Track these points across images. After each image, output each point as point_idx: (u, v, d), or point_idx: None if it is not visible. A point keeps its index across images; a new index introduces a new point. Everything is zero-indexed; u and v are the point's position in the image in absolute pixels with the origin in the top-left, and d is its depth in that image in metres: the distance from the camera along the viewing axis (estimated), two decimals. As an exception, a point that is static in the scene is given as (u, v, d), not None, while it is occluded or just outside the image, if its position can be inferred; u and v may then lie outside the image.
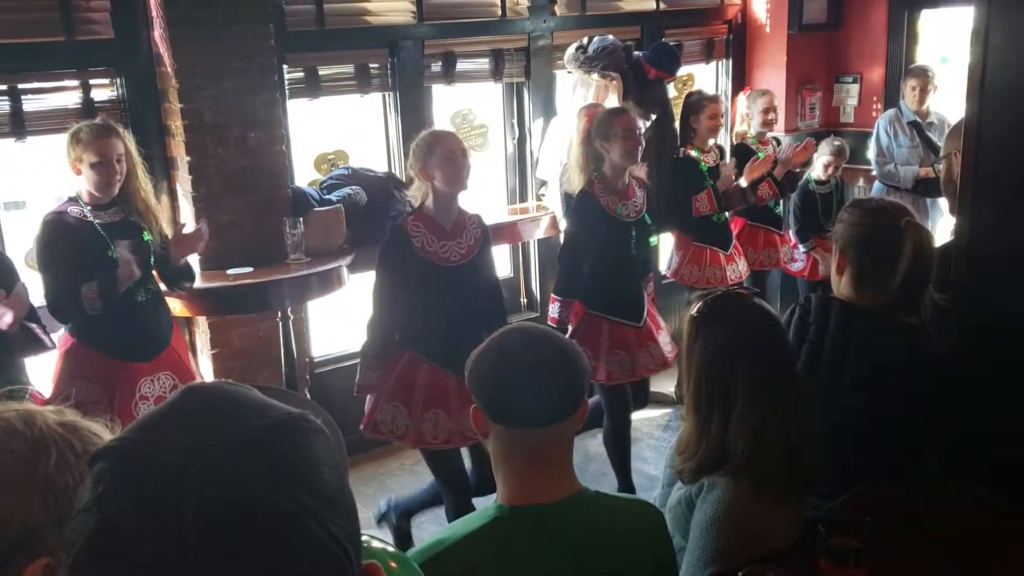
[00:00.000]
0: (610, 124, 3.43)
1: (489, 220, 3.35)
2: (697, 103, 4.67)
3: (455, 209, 3.11)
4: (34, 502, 0.89)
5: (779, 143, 4.99)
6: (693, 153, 4.66)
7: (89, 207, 3.06)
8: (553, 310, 3.54)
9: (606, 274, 3.54)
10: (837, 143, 5.07)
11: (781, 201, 5.05)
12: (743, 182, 4.65)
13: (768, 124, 4.89)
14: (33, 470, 0.90)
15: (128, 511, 0.58)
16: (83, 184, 3.04)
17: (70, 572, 0.59)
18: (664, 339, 3.73)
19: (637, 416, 4.69)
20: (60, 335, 3.14)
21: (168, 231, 3.30)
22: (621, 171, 3.50)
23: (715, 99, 4.72)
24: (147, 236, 3.15)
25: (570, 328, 3.63)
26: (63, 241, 2.98)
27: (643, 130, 4.57)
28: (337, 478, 0.64)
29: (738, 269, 4.75)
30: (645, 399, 4.00)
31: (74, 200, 3.07)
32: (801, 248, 5.06)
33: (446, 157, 2.98)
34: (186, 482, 0.57)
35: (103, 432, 0.97)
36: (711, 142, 4.71)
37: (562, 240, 3.84)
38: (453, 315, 3.05)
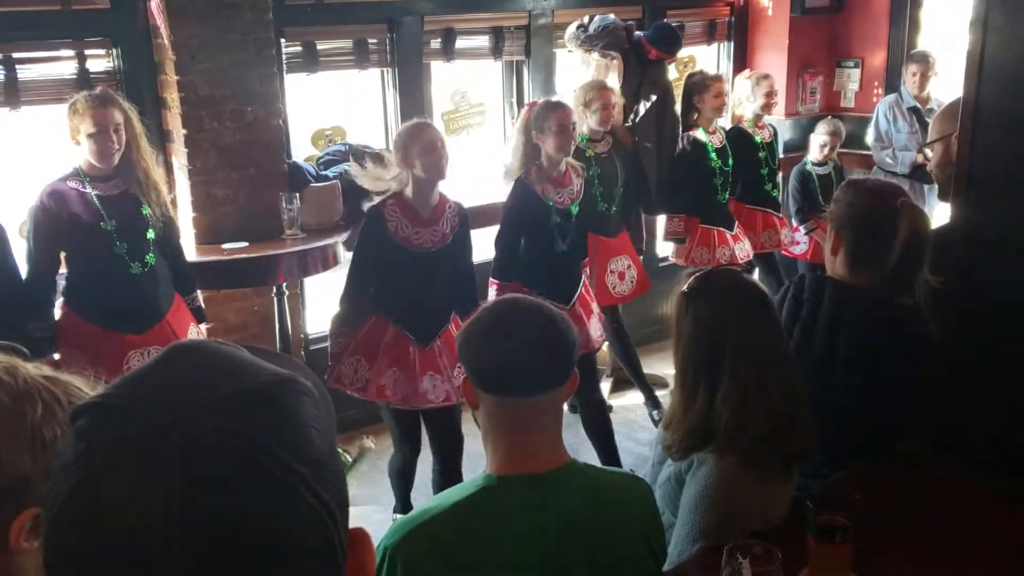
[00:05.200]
0: (545, 118, 3.49)
1: (484, 199, 3.35)
2: (701, 83, 4.59)
3: (435, 196, 3.19)
4: (23, 452, 0.87)
5: (775, 128, 4.96)
6: (700, 135, 4.62)
7: (88, 179, 3.04)
8: (491, 294, 3.53)
9: (539, 256, 3.60)
10: (833, 124, 5.05)
11: (780, 184, 5.04)
12: None
13: (768, 108, 4.85)
14: (20, 420, 0.88)
15: (110, 471, 0.56)
16: (82, 155, 3.01)
17: (49, 531, 0.57)
18: (594, 324, 3.78)
19: (631, 400, 4.73)
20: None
21: (171, 206, 3.27)
22: (556, 162, 3.57)
23: (719, 78, 4.67)
24: (145, 210, 3.12)
25: None
26: (55, 221, 2.97)
27: (641, 113, 4.57)
28: (326, 442, 0.62)
29: (745, 248, 4.73)
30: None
31: (75, 172, 3.05)
32: (802, 230, 5.05)
33: (426, 148, 3.07)
34: (171, 444, 0.55)
35: (84, 386, 0.94)
36: (716, 122, 4.66)
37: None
38: (422, 294, 3.18)
